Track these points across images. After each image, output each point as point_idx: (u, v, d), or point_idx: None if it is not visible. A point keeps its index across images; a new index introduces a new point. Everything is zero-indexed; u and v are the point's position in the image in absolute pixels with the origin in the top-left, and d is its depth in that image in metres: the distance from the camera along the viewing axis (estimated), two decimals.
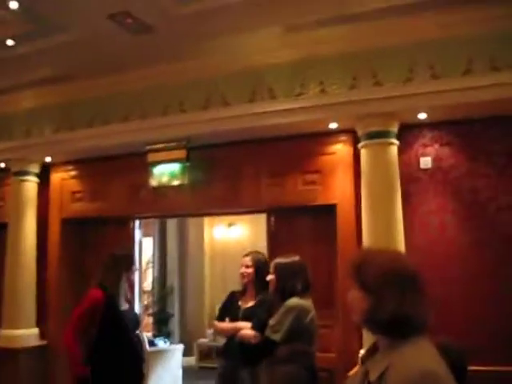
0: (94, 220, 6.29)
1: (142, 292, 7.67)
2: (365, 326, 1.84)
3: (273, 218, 5.48)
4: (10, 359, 5.83)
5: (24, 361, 5.85)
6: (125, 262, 3.99)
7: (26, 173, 6.21)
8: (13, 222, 6.16)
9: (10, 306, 6.00)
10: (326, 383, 4.18)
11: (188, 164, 5.50)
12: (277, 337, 3.56)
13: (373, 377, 1.78)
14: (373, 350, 1.86)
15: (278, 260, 3.81)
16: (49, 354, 6.07)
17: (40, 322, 6.13)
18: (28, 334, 5.94)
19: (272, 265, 3.79)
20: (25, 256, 6.08)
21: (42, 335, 6.12)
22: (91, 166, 6.21)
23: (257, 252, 4.21)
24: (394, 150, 4.67)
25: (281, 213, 5.40)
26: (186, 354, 7.48)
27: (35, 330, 6.08)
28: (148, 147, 5.56)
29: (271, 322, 3.63)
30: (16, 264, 6.05)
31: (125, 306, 3.97)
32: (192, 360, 8.83)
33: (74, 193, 6.30)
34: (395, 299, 1.72)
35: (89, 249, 6.44)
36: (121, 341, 3.84)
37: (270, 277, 3.75)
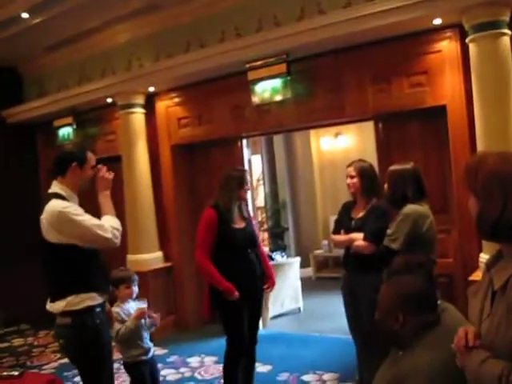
0: (202, 143, 6.43)
1: (255, 209, 7.85)
2: (477, 232, 1.79)
3: (380, 125, 5.30)
4: (140, 281, 6.26)
5: (151, 282, 6.27)
6: (236, 180, 4.04)
7: (132, 105, 6.42)
8: (125, 153, 6.46)
9: (133, 234, 6.40)
10: (445, 289, 4.13)
11: (289, 78, 5.40)
12: (395, 245, 3.54)
13: (497, 285, 1.72)
14: (497, 258, 1.79)
15: (390, 167, 3.76)
16: (173, 274, 6.48)
17: (163, 245, 6.52)
18: (153, 258, 6.35)
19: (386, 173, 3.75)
20: (141, 185, 6.39)
21: (166, 258, 6.52)
22: (194, 91, 6.27)
23: (360, 161, 4.12)
24: (506, 41, 4.27)
25: (388, 119, 5.21)
26: (302, 265, 7.66)
27: (159, 254, 6.47)
28: (247, 65, 5.51)
29: (389, 231, 3.60)
30: (134, 194, 6.39)
31: (239, 224, 4.07)
32: (309, 271, 9.04)
33: (179, 119, 6.44)
34: (498, 204, 1.65)
35: (200, 172, 6.65)
36: (234, 257, 3.99)
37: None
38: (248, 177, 4.27)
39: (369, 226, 3.82)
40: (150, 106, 6.54)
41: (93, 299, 3.04)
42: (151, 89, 6.34)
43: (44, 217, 3.00)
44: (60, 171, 3.16)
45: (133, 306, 3.79)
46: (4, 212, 7.14)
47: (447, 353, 1.86)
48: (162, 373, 5.07)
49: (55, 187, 3.13)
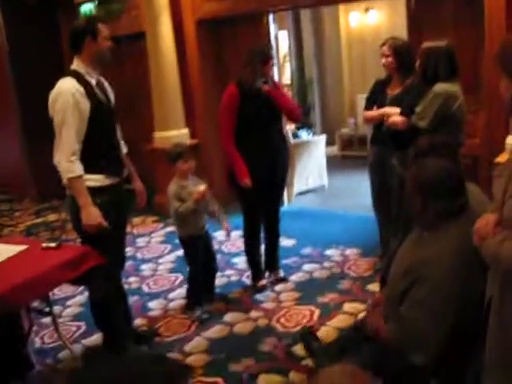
0: (228, 18, 6.21)
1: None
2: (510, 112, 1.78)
3: (413, 0, 5.05)
4: (165, 159, 6.36)
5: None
6: (260, 56, 3.94)
7: None
8: (150, 29, 6.30)
9: (159, 110, 6.41)
10: (469, 170, 4.14)
11: None
12: (423, 123, 3.52)
13: None
14: None
15: (423, 44, 3.66)
16: (200, 150, 6.55)
17: (189, 122, 6.54)
18: (179, 135, 6.38)
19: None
20: (166, 61, 6.29)
21: (193, 134, 6.56)
22: None
23: (393, 38, 3.99)
24: None
25: None
26: (328, 143, 7.68)
27: (185, 131, 6.50)
28: None
29: (417, 108, 3.57)
30: (159, 70, 6.30)
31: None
32: (334, 149, 9.08)
33: None
34: None
35: (226, 47, 6.51)
36: (254, 137, 4.01)
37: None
38: (274, 52, 4.17)
39: (407, 102, 3.77)
40: None
41: (95, 181, 3.17)
42: None
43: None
44: (76, 48, 3.20)
45: (192, 184, 3.83)
46: (31, 92, 7.23)
47: (471, 242, 1.90)
48: None
49: (74, 64, 3.22)
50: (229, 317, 3.96)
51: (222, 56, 6.53)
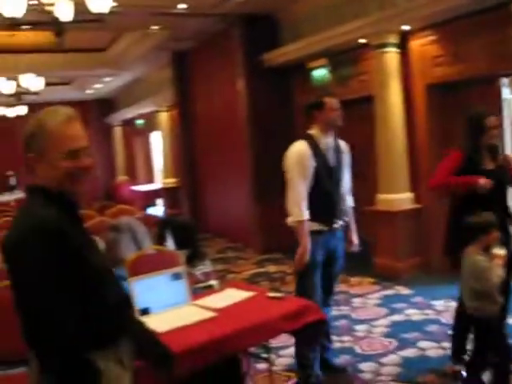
0: (457, 82, 6.12)
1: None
2: None
3: None
4: (388, 221, 6.40)
5: (400, 222, 6.36)
6: (477, 121, 3.72)
7: (386, 45, 6.33)
8: (378, 93, 6.47)
9: (384, 174, 6.48)
10: None
11: None
12: None
13: None
14: None
15: None
16: (423, 216, 6.43)
17: (413, 187, 6.48)
18: (403, 198, 6.36)
19: None
20: (393, 125, 6.37)
21: (416, 199, 6.48)
22: (449, 28, 5.94)
23: None
24: None
25: None
26: None
27: (409, 195, 6.46)
28: None
29: None
30: (386, 133, 6.40)
31: (489, 166, 3.74)
32: None
33: (434, 57, 6.19)
34: None
35: (453, 112, 6.37)
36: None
37: None
38: (503, 118, 3.92)
39: None
40: (403, 44, 6.41)
41: (311, 226, 3.74)
42: (405, 27, 6.19)
43: None
44: (308, 118, 3.92)
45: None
46: (264, 148, 8.01)
47: None
48: (407, 312, 5.22)
49: (310, 129, 3.86)
50: None
51: (449, 120, 6.40)
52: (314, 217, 3.73)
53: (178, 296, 3.25)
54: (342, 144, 3.98)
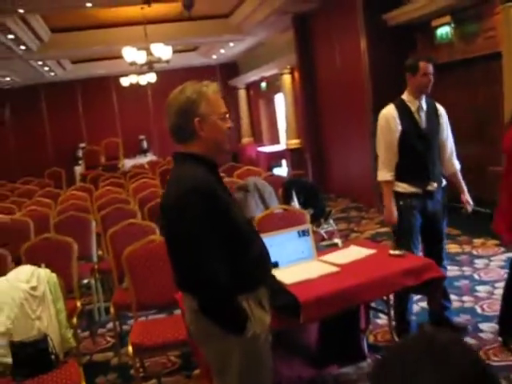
0: None
1: None
2: None
3: None
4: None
5: None
6: None
7: None
8: (506, 49, 6.22)
9: None
10: None
11: None
12: None
13: None
14: None
15: None
16: None
17: None
18: None
19: None
20: None
21: None
22: None
23: None
24: None
25: None
26: None
27: None
28: None
29: None
30: None
31: None
32: None
33: None
34: None
35: None
36: None
37: None
38: None
39: None
40: None
41: (401, 188, 3.93)
42: None
43: None
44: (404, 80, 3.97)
45: None
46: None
47: None
48: None
49: (404, 94, 3.98)
50: None
51: None
52: (405, 178, 3.87)
53: (304, 252, 3.53)
54: (439, 107, 4.02)
